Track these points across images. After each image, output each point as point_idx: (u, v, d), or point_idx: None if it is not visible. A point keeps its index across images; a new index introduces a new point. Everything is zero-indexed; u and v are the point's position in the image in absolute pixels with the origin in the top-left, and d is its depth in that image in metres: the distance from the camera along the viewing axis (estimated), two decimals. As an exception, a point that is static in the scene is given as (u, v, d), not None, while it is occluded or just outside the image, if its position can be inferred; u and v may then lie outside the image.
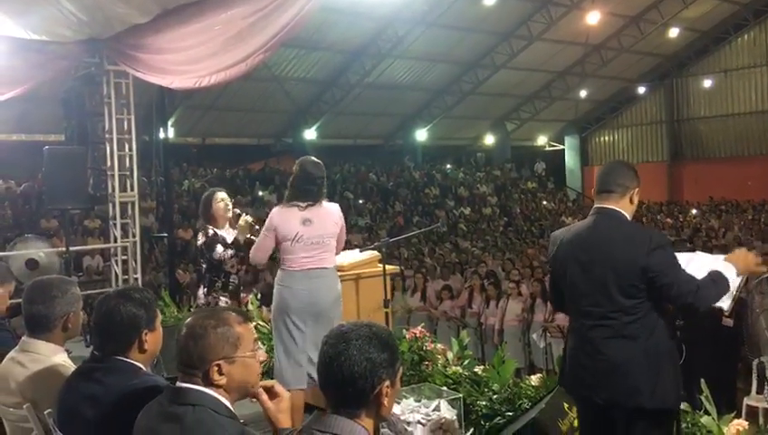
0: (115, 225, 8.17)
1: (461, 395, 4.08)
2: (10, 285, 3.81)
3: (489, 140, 29.64)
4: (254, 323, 5.56)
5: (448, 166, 28.78)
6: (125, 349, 2.51)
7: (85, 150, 7.84)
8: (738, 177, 25.55)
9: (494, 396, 4.15)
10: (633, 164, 3.52)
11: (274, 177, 21.84)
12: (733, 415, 3.56)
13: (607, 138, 30.88)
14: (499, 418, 4.02)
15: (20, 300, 2.97)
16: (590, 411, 3.19)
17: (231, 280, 5.30)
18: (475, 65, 23.68)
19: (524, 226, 22.91)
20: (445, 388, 4.21)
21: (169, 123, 18.22)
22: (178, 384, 2.11)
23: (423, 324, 6.85)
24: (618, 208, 3.12)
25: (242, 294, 5.83)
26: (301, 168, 4.41)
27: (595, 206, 3.20)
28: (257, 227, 4.99)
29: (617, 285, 2.97)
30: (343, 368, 1.92)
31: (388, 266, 4.98)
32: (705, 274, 2.99)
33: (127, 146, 8.14)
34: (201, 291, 5.28)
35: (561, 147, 31.63)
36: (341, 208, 4.64)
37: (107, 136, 8.00)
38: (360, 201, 22.25)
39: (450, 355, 4.72)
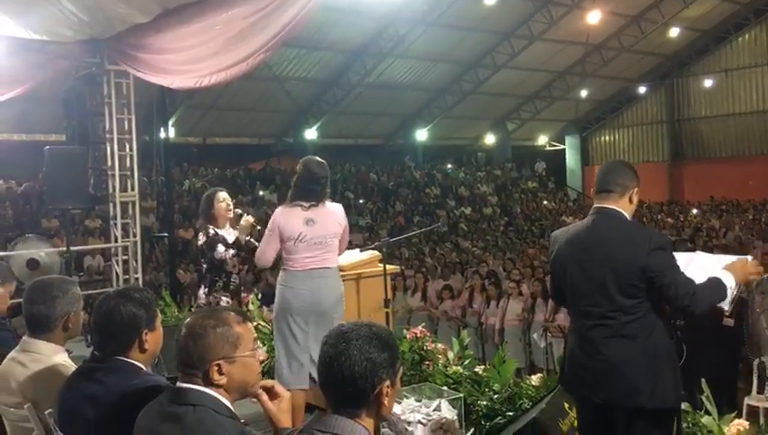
0: (116, 225, 8.17)
1: (461, 395, 4.08)
2: (11, 284, 3.82)
3: (490, 139, 29.65)
4: (255, 323, 5.57)
5: (449, 166, 28.80)
6: (125, 349, 2.51)
7: (86, 150, 7.84)
8: (739, 176, 25.54)
9: (495, 396, 4.15)
10: (634, 164, 3.52)
11: (275, 176, 21.87)
12: (734, 415, 3.56)
13: (607, 137, 30.89)
14: (500, 418, 4.02)
15: (21, 300, 2.97)
16: (590, 411, 3.19)
17: (232, 280, 5.31)
18: (475, 65, 23.68)
19: (525, 225, 22.91)
20: (445, 388, 4.21)
21: (170, 123, 18.25)
22: (179, 384, 2.11)
23: (423, 324, 6.84)
24: (617, 208, 3.12)
25: (243, 294, 5.83)
26: (305, 167, 4.39)
27: (594, 205, 3.20)
28: (259, 227, 4.99)
29: (616, 284, 2.97)
30: (344, 368, 1.92)
31: (388, 266, 4.97)
32: (706, 276, 3.00)
33: (127, 146, 8.14)
34: (202, 291, 5.28)
35: (562, 147, 31.64)
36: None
37: (108, 136, 8.00)
38: (361, 201, 22.26)
39: (451, 355, 4.71)
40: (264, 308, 6.27)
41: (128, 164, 8.17)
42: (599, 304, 3.03)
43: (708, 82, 27.04)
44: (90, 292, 7.23)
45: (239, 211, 5.39)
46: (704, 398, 3.48)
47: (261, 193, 20.80)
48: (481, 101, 25.99)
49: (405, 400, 3.96)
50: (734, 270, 3.07)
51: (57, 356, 2.88)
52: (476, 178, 27.76)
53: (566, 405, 3.69)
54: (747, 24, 25.77)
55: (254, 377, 2.16)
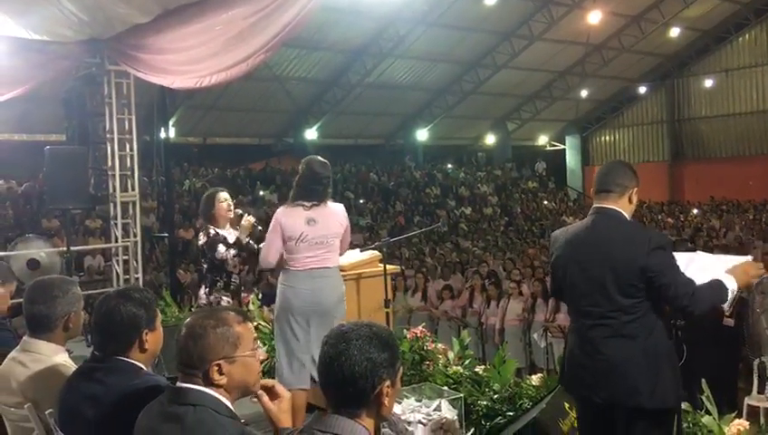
0: (116, 225, 8.17)
1: (462, 395, 4.07)
2: (11, 284, 3.82)
3: (490, 139, 29.66)
4: (255, 323, 5.57)
5: (449, 166, 28.80)
6: (126, 349, 2.51)
7: (86, 150, 7.85)
8: (739, 176, 25.55)
9: (495, 396, 4.15)
10: (634, 164, 3.53)
11: (275, 176, 21.88)
12: (734, 415, 3.56)
13: (608, 137, 30.90)
14: (500, 418, 4.02)
15: (21, 300, 2.97)
16: (590, 411, 3.20)
17: (232, 280, 5.31)
18: (475, 65, 23.68)
19: (525, 225, 22.92)
20: (445, 388, 4.21)
21: (170, 123, 18.23)
22: (179, 384, 2.11)
23: (424, 324, 6.85)
24: (617, 208, 3.12)
25: (243, 294, 5.83)
26: (308, 167, 4.37)
27: (594, 205, 3.20)
28: (260, 227, 4.99)
29: (616, 284, 2.97)
30: (344, 368, 1.92)
31: (388, 266, 4.97)
32: (706, 276, 3.00)
33: (128, 146, 8.15)
34: (203, 291, 5.29)
35: (562, 146, 31.65)
36: (342, 208, 4.63)
37: (108, 136, 8.00)
38: (361, 201, 22.26)
39: (451, 355, 4.71)
40: (265, 308, 6.27)
41: (128, 164, 8.17)
42: (598, 304, 3.03)
43: (708, 82, 27.04)
44: (90, 292, 7.23)
45: (240, 211, 5.40)
46: (704, 398, 3.48)
47: (261, 193, 20.81)
48: (481, 101, 25.99)
49: (405, 400, 3.96)
50: (736, 274, 3.07)
51: (57, 356, 2.88)
52: (477, 178, 27.77)
53: (566, 405, 3.69)
54: (747, 24, 25.77)
55: (254, 377, 2.16)
